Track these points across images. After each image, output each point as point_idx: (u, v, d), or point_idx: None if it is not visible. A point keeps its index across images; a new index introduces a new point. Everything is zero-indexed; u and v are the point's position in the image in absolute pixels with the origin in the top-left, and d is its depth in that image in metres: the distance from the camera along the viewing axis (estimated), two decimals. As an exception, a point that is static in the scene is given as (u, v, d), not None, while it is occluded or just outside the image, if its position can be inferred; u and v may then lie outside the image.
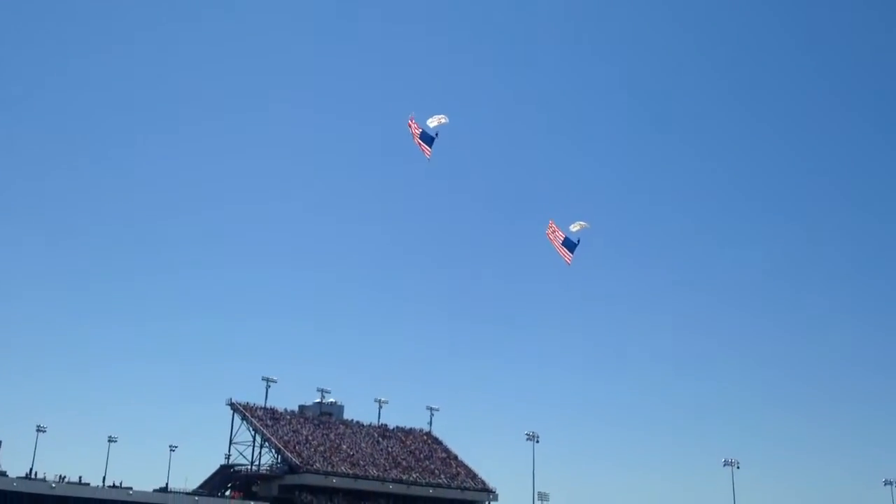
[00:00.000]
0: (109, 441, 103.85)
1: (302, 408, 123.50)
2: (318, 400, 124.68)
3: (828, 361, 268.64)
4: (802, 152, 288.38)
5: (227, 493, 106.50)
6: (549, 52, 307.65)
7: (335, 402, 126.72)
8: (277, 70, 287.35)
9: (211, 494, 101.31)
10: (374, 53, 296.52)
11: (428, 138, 41.06)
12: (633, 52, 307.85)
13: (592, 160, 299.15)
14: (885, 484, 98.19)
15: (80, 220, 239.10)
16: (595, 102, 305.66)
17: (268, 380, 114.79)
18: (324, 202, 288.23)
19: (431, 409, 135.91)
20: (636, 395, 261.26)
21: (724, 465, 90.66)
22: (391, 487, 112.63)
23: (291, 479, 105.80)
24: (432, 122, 41.14)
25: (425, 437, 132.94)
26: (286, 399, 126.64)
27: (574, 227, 44.06)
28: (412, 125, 42.39)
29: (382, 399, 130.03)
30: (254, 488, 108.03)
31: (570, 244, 43.85)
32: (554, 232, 44.51)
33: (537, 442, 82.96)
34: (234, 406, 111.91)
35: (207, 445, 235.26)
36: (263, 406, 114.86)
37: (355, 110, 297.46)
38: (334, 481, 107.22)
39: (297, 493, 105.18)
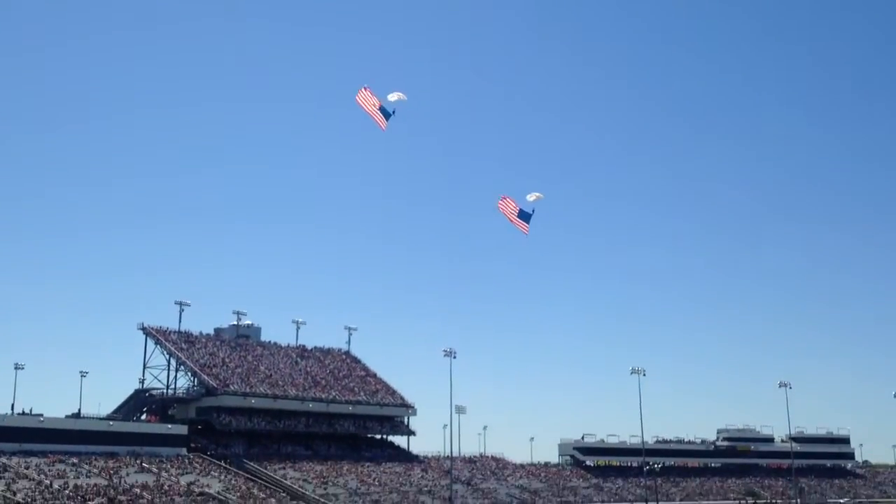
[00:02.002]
0: (16, 369, 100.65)
1: (218, 331, 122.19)
2: (234, 323, 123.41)
3: (725, 272, 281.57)
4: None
5: (143, 416, 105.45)
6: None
7: (252, 325, 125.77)
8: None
9: (126, 419, 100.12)
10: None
11: (385, 113, 39.98)
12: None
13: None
14: (780, 386, 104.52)
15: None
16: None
17: (181, 303, 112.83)
18: (244, 111, 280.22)
19: (349, 328, 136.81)
20: (548, 308, 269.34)
21: (632, 373, 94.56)
22: (311, 406, 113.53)
23: (209, 402, 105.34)
24: (392, 98, 39.92)
25: (344, 357, 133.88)
26: (201, 323, 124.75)
27: (531, 198, 43.93)
28: (367, 98, 40.83)
29: (300, 320, 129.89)
30: (170, 411, 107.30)
31: (524, 215, 43.76)
32: (505, 206, 44.36)
33: (454, 358, 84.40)
34: (146, 330, 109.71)
35: (120, 371, 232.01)
36: (177, 330, 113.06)
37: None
38: (253, 402, 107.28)
39: (214, 414, 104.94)
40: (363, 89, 41.50)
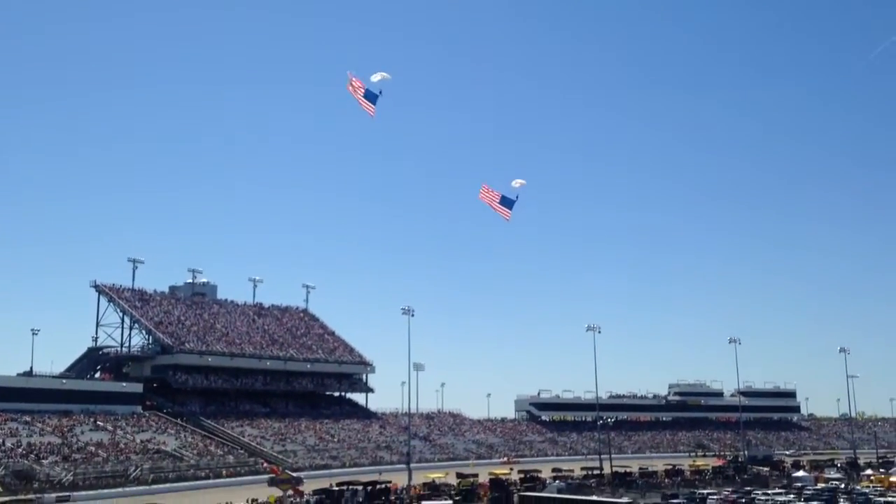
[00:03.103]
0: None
1: (173, 288, 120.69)
2: (189, 280, 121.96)
3: (676, 230, 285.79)
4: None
5: (97, 375, 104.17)
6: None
7: (207, 283, 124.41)
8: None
9: (79, 377, 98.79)
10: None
11: (372, 96, 39.46)
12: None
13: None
14: (730, 342, 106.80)
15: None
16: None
17: (134, 260, 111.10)
18: (198, 69, 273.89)
19: (307, 286, 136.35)
20: (506, 266, 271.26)
21: (587, 330, 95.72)
22: (268, 364, 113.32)
23: (164, 360, 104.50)
24: (375, 78, 39.36)
25: (301, 315, 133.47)
26: (155, 280, 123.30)
27: (515, 184, 43.98)
28: (354, 83, 40.29)
29: (257, 278, 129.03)
30: (125, 369, 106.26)
31: (508, 201, 43.80)
32: (486, 194, 44.36)
33: (412, 316, 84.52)
34: (99, 288, 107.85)
35: (73, 329, 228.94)
36: (131, 287, 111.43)
37: None
38: (210, 360, 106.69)
39: (170, 373, 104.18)
40: (351, 78, 41.16)
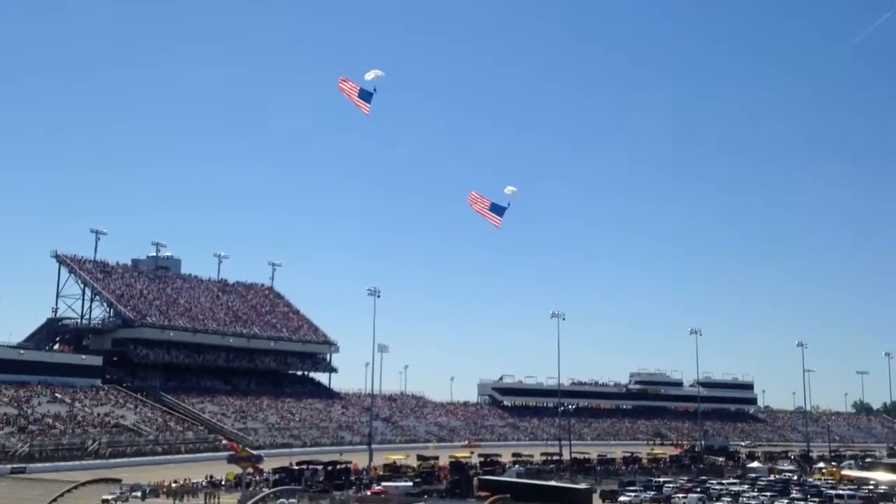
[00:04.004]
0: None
1: (136, 262, 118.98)
2: (152, 254, 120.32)
3: (641, 225, 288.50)
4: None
5: (56, 346, 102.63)
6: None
7: (171, 257, 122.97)
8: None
9: (38, 348, 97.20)
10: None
11: (366, 95, 39.17)
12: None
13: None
14: (691, 333, 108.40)
15: None
16: None
17: (97, 232, 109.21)
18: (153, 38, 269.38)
19: (273, 264, 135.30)
20: (473, 251, 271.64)
21: (552, 317, 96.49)
22: (231, 341, 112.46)
23: (125, 333, 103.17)
24: (369, 76, 38.99)
25: (267, 292, 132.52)
26: (118, 253, 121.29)
27: (508, 191, 43.88)
28: (346, 85, 39.97)
29: (222, 254, 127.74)
30: (84, 342, 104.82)
31: (498, 208, 43.72)
32: (476, 202, 44.25)
33: (378, 297, 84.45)
34: (60, 258, 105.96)
35: (32, 299, 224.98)
36: (93, 259, 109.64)
37: None
38: (171, 335, 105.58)
39: (131, 346, 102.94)
40: (341, 81, 40.99)
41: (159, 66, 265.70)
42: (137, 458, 76.26)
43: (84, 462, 69.84)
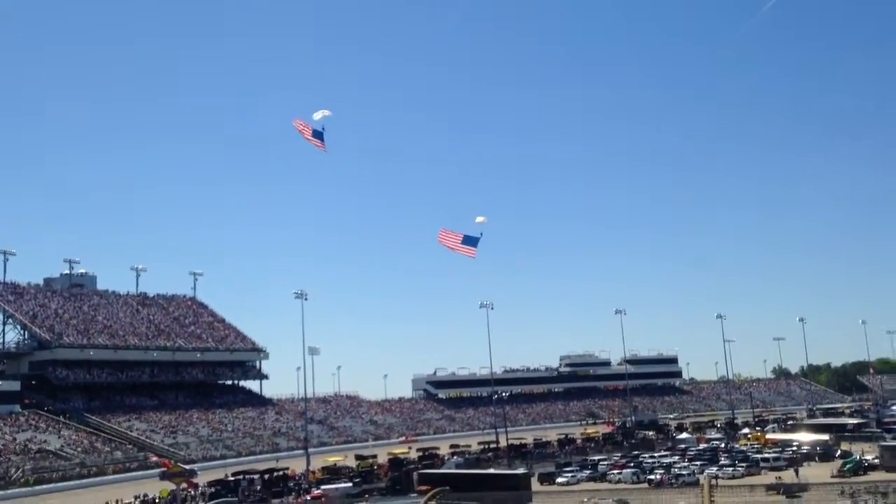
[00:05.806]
0: None
1: (48, 280, 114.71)
2: (66, 272, 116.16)
3: (561, 209, 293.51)
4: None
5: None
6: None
7: (86, 273, 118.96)
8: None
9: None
10: None
11: (318, 134, 39.38)
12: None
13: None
14: (616, 313, 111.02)
15: None
16: None
17: (5, 252, 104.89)
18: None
19: (195, 273, 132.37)
20: (398, 245, 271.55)
21: (480, 307, 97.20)
22: (155, 355, 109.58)
23: (42, 355, 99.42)
24: (317, 116, 39.22)
25: (189, 303, 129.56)
26: (29, 273, 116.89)
27: (479, 220, 43.74)
28: (300, 126, 40.33)
29: (140, 267, 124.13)
30: (0, 367, 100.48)
31: (471, 240, 43.65)
32: (447, 238, 44.13)
33: (306, 300, 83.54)
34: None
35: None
36: (2, 280, 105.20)
37: None
38: (91, 354, 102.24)
39: (49, 368, 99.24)
40: (295, 122, 41.51)
41: (63, 80, 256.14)
42: (65, 483, 73.69)
43: (9, 492, 67.28)
